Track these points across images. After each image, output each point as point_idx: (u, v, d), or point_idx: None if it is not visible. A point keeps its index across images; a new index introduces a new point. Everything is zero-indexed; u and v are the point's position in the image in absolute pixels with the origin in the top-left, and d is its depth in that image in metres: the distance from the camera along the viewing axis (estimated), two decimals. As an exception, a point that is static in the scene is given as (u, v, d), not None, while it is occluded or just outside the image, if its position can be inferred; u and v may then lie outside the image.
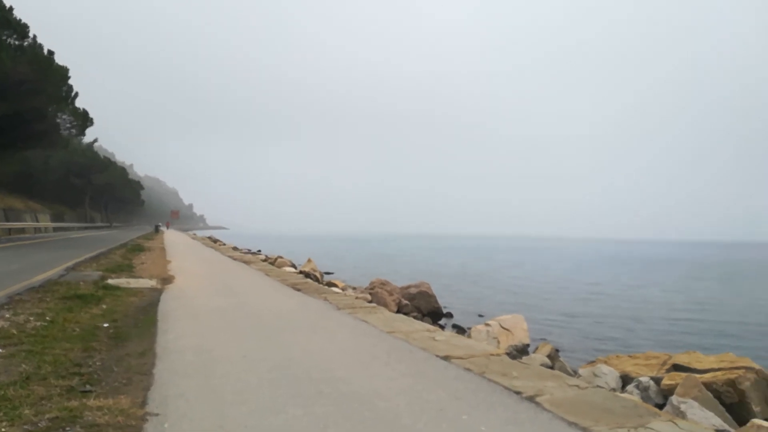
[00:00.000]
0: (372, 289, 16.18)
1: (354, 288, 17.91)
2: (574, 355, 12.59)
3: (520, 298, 24.63)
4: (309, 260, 24.10)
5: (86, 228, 65.78)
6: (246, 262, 18.13)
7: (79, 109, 37.13)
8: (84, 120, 37.73)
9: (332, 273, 30.95)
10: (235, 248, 37.31)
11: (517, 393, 4.08)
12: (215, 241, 47.32)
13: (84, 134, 43.71)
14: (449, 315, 17.66)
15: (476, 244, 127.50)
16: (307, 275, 17.68)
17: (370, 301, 12.76)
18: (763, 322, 18.94)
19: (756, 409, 6.97)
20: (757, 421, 5.96)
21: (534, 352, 10.47)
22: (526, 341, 10.75)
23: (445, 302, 18.87)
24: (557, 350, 11.31)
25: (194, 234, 73.25)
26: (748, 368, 7.20)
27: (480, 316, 17.82)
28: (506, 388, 4.22)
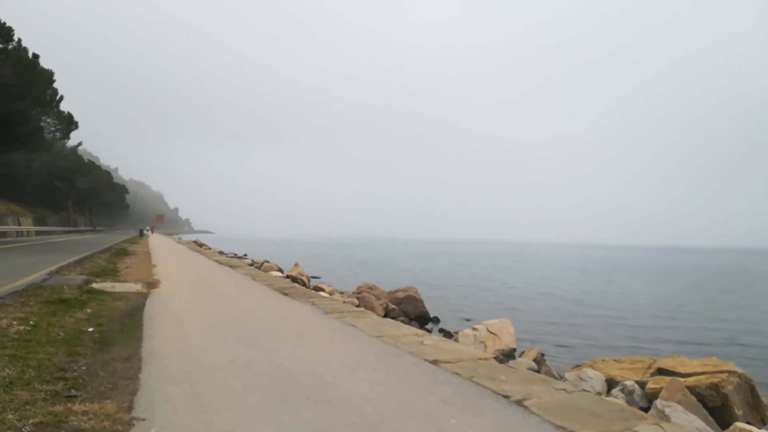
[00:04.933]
0: (359, 293, 16.16)
1: (341, 292, 17.87)
2: (560, 359, 12.66)
3: (507, 302, 24.73)
4: (296, 264, 24.02)
5: (70, 232, 64.91)
6: (232, 267, 18.01)
7: (63, 112, 36.72)
8: (68, 123, 37.32)
9: (319, 277, 30.85)
10: (221, 252, 37.08)
11: (506, 397, 4.10)
12: (201, 245, 46.96)
13: (68, 138, 43.28)
14: (436, 319, 17.68)
15: (463, 250, 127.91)
16: (294, 280, 17.62)
17: (358, 306, 12.74)
18: (746, 328, 19.20)
19: (738, 412, 7.06)
20: (739, 424, 6.03)
21: (521, 356, 10.50)
22: (513, 345, 10.79)
23: (432, 307, 18.88)
24: (543, 354, 11.36)
25: (179, 238, 72.70)
26: (731, 372, 7.30)
27: (467, 320, 17.85)
28: (494, 392, 4.23)
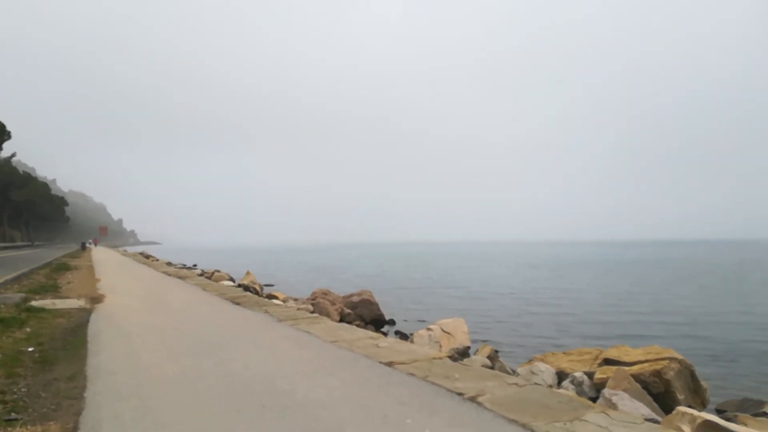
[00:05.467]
0: (314, 299, 16.04)
1: (295, 299, 17.67)
2: (513, 355, 12.95)
3: (460, 302, 25.09)
4: (248, 273, 23.60)
5: (5, 248, 61.46)
6: (181, 278, 17.53)
7: (-6, 122, 34.89)
8: (0, 134, 35.44)
9: (272, 285, 30.41)
10: (169, 263, 35.98)
11: (460, 394, 4.18)
12: (147, 256, 45.45)
13: (1, 148, 41.08)
14: (392, 322, 17.74)
15: (416, 251, 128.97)
16: (246, 288, 17.31)
17: (313, 312, 12.65)
18: (687, 317, 20.19)
19: (680, 397, 7.43)
20: (681, 408, 6.33)
21: (475, 354, 10.69)
22: (467, 344, 10.97)
23: (387, 309, 18.95)
24: (497, 351, 11.61)
25: (125, 250, 70.09)
26: (672, 359, 7.67)
27: (422, 321, 18.00)
28: (449, 390, 4.31)
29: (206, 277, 21.43)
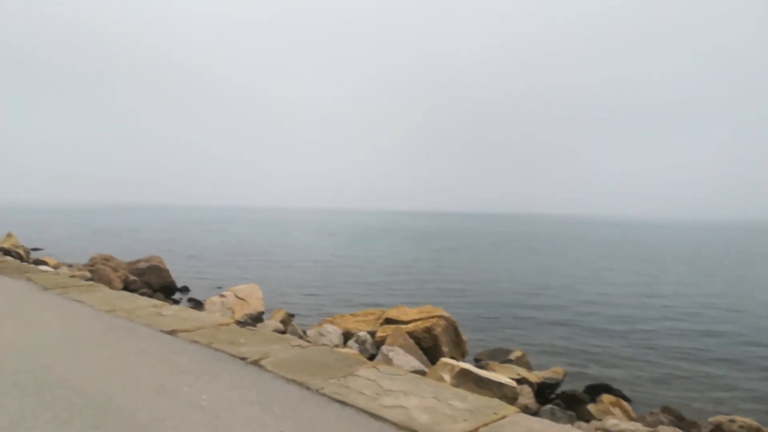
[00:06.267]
0: (92, 265, 14.49)
1: (70, 265, 15.76)
2: (308, 318, 13.41)
3: (259, 268, 25.03)
4: (9, 235, 20.33)
5: None
6: None
7: None
8: None
9: (42, 249, 26.70)
10: None
11: (243, 359, 4.23)
12: None
13: None
14: (185, 289, 16.97)
15: (216, 216, 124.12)
16: (6, 252, 14.94)
17: (90, 279, 11.45)
18: (457, 278, 22.98)
19: (445, 350, 8.51)
20: (444, 359, 7.29)
21: (269, 318, 10.81)
22: (261, 309, 11.01)
23: (181, 276, 18.06)
24: (291, 315, 11.90)
25: None
26: (440, 317, 8.73)
27: (218, 288, 17.56)
28: (232, 355, 4.33)
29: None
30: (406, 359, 7.24)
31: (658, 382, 9.47)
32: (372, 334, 8.55)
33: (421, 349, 8.18)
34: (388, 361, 7.00)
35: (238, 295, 10.58)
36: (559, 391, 8.34)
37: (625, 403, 7.59)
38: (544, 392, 8.20)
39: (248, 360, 4.21)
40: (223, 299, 10.51)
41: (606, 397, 7.67)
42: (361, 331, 8.64)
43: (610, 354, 11.26)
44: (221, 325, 5.47)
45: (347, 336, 8.77)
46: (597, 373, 9.86)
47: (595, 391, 8.24)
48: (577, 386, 8.61)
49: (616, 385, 8.67)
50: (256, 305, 10.72)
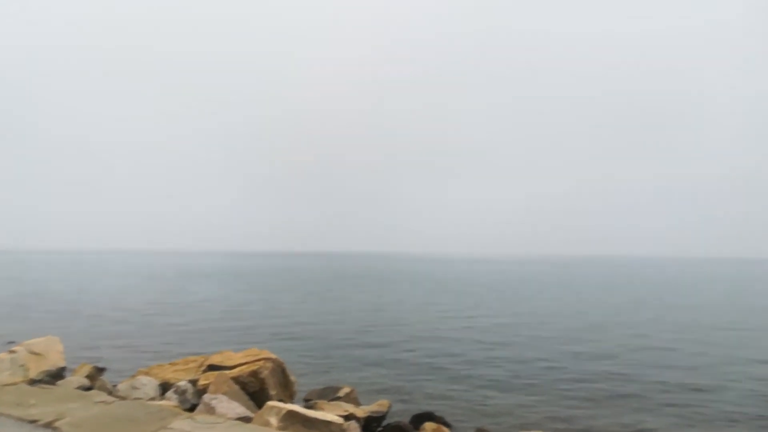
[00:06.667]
0: None
1: None
2: (120, 371, 12.15)
3: (63, 317, 22.18)
4: None
5: None
6: None
7: None
8: None
9: None
10: None
11: (33, 422, 3.74)
12: None
13: None
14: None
15: (13, 259, 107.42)
16: None
17: None
18: (286, 322, 22.70)
19: (273, 392, 8.34)
20: (271, 402, 7.13)
21: (72, 374, 9.60)
22: (62, 364, 9.73)
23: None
24: (101, 369, 10.72)
25: None
26: (266, 359, 8.55)
27: (9, 343, 15.11)
28: (20, 418, 3.80)
29: None
30: (231, 406, 6.95)
31: (474, 408, 10.28)
32: (194, 382, 8.06)
33: (248, 393, 7.92)
34: (211, 410, 6.66)
35: (33, 349, 9.26)
36: (385, 423, 8.63)
37: (446, 429, 8.12)
38: (371, 426, 8.42)
39: (40, 423, 3.72)
40: (14, 355, 9.10)
41: (429, 425, 8.12)
42: (180, 380, 8.09)
43: (432, 385, 11.96)
44: (6, 385, 4.76)
45: (165, 387, 8.14)
46: (421, 403, 10.39)
47: (420, 420, 8.69)
48: (403, 417, 9.00)
49: (438, 413, 9.23)
50: (55, 360, 9.46)
